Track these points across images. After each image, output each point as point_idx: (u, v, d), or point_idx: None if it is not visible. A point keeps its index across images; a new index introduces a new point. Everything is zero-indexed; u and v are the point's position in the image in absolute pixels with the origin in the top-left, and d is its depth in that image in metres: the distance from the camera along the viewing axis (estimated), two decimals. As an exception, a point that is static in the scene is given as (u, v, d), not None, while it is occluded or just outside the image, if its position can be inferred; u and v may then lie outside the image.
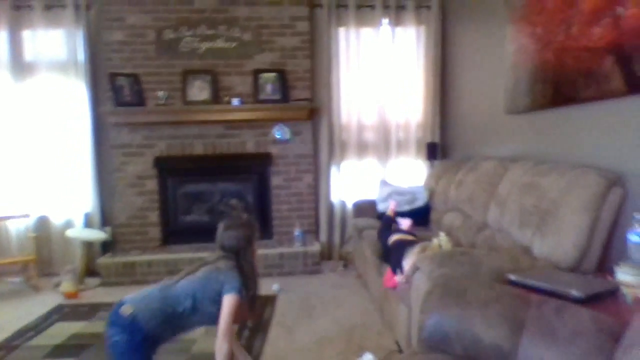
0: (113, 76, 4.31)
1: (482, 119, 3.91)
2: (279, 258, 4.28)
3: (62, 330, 3.14)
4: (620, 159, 2.18)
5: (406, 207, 3.95)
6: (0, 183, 4.40)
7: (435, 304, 1.63)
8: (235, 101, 4.36)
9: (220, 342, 1.92)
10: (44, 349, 2.84)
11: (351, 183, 4.77)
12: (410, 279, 2.25)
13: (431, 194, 4.05)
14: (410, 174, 4.78)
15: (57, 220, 4.51)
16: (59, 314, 3.48)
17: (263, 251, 4.28)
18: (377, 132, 4.74)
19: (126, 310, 1.91)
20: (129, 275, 4.17)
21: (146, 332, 1.91)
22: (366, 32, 4.67)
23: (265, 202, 4.67)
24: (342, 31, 4.65)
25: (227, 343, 1.92)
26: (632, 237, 1.83)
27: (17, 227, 4.34)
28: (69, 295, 3.84)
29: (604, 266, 2.11)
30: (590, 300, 1.58)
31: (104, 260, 4.21)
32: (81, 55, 4.39)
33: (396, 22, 4.65)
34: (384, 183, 4.41)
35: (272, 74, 4.47)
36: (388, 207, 3.85)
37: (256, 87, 4.45)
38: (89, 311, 3.51)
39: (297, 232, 4.42)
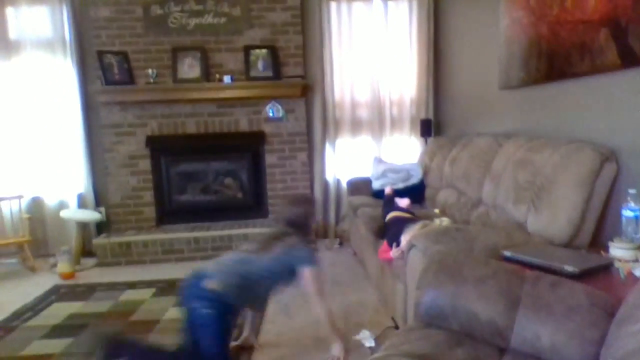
0: (101, 54, 4.22)
1: (476, 95, 3.89)
2: (274, 236, 4.29)
3: (59, 311, 3.16)
4: (614, 134, 2.19)
5: (401, 185, 3.96)
6: (-10, 165, 4.35)
7: (431, 280, 1.65)
8: (226, 79, 4.29)
9: (316, 306, 2.24)
10: (42, 330, 2.86)
11: (345, 161, 4.76)
12: (404, 254, 2.27)
13: (426, 171, 4.05)
14: (405, 151, 4.77)
15: (50, 201, 4.49)
16: (56, 294, 3.50)
17: (259, 230, 4.30)
18: (370, 109, 4.70)
19: (212, 285, 2.03)
20: (125, 256, 4.18)
21: (231, 306, 2.09)
22: (358, 6, 4.58)
23: (260, 181, 4.66)
24: (333, 5, 4.55)
25: (322, 304, 2.24)
26: (626, 213, 1.85)
27: (10, 209, 4.30)
28: (66, 276, 3.85)
29: (598, 241, 2.14)
30: (584, 276, 1.60)
31: (99, 240, 4.21)
32: (67, 32, 4.28)
33: (389, -5, 4.57)
34: (378, 160, 4.40)
35: (263, 51, 4.40)
36: (382, 184, 3.85)
37: (247, 64, 4.39)
38: (86, 291, 3.52)
39: (292, 210, 4.41)
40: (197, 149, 4.58)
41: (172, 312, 3.05)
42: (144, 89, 4.29)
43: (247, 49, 4.40)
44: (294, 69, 4.52)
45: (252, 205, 4.68)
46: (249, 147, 4.61)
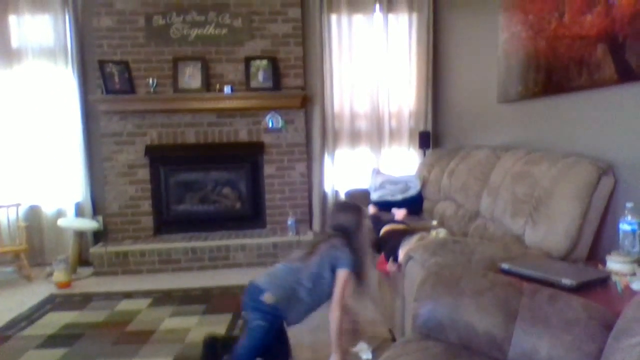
0: (102, 63, 4.25)
1: (474, 108, 3.91)
2: (273, 247, 4.29)
3: (55, 320, 3.13)
4: (611, 148, 2.20)
5: (399, 196, 3.96)
6: (-12, 172, 4.35)
7: (428, 292, 1.64)
8: (227, 89, 4.32)
9: (334, 310, 2.22)
10: (37, 339, 2.84)
11: (344, 172, 4.77)
12: (401, 268, 2.27)
13: (424, 183, 4.06)
14: (403, 163, 4.78)
15: (48, 209, 4.47)
16: (52, 303, 3.47)
17: (256, 241, 4.29)
18: (369, 120, 4.72)
19: (269, 299, 2.09)
20: (122, 265, 4.16)
21: (284, 318, 2.17)
22: (358, 18, 4.63)
23: (258, 191, 4.65)
24: (334, 18, 4.60)
25: (339, 311, 2.22)
26: (623, 226, 1.85)
27: (7, 217, 4.29)
28: (62, 285, 3.82)
29: (595, 255, 2.14)
30: (582, 289, 1.60)
31: (96, 249, 4.19)
32: (69, 41, 4.32)
33: (388, 8, 4.61)
34: (376, 172, 4.40)
35: (264, 62, 4.43)
36: (381, 196, 3.85)
37: (248, 74, 4.41)
38: (82, 301, 3.50)
39: (290, 221, 4.42)
40: (196, 159, 4.58)
41: (168, 322, 3.03)
42: (144, 98, 4.31)
43: (248, 60, 4.43)
44: (294, 80, 4.55)
45: (251, 215, 4.67)
46: (248, 157, 4.62)
